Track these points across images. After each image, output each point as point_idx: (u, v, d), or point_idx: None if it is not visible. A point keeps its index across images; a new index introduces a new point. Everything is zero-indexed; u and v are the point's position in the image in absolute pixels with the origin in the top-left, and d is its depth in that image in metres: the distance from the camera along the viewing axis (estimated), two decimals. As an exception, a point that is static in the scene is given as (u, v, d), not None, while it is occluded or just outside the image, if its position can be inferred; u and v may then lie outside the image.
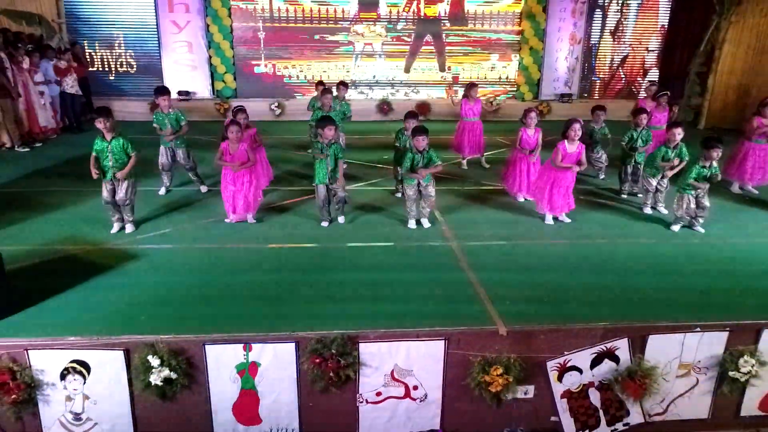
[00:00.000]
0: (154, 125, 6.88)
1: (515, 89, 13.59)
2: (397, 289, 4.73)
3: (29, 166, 8.37)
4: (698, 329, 4.30)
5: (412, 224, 6.19)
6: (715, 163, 6.05)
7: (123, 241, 5.67)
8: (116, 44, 12.36)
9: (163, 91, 6.85)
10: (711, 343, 4.36)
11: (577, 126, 6.14)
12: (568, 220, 6.45)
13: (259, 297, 4.59)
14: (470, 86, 8.50)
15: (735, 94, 12.07)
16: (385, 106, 12.81)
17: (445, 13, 12.82)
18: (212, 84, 12.78)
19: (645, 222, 6.59)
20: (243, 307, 4.44)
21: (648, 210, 6.90)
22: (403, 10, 12.71)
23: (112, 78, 12.60)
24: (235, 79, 12.81)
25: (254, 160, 6.11)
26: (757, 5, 11.45)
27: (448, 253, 5.54)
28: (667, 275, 5.13)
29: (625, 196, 7.44)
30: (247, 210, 6.08)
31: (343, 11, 12.60)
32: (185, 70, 12.61)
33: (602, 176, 8.21)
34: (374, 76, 13.17)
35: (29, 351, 3.91)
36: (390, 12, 12.68)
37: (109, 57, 12.46)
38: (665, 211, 6.79)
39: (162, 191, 7.17)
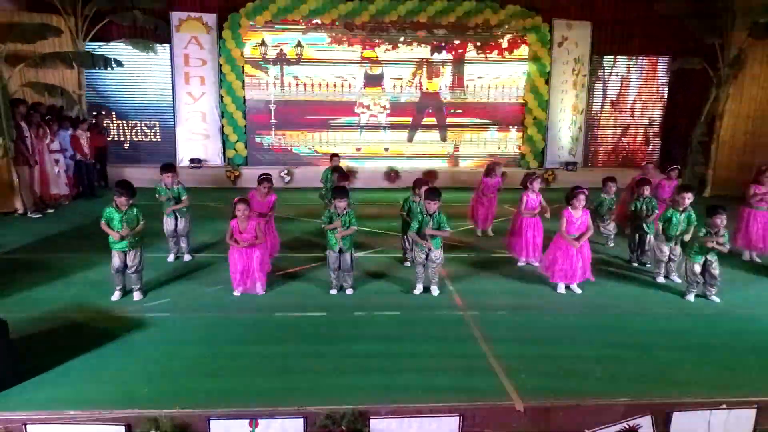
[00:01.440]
0: (157, 195, 7.00)
1: (520, 158, 13.83)
2: (408, 360, 4.60)
3: (40, 232, 8.43)
4: (724, 406, 4.11)
5: (418, 290, 6.14)
6: (724, 232, 6.02)
7: (129, 308, 5.60)
8: (133, 114, 12.79)
9: (168, 168, 7.00)
10: (739, 422, 4.15)
11: (581, 196, 6.19)
12: (579, 291, 6.35)
13: (266, 369, 4.46)
14: (493, 165, 8.60)
15: (738, 162, 12.21)
16: (392, 174, 13.02)
17: (446, 87, 13.35)
18: (224, 152, 13.10)
19: (658, 291, 6.48)
20: (249, 379, 4.30)
21: (661, 279, 6.81)
22: (407, 85, 13.25)
23: (127, 146, 12.94)
24: (246, 147, 13.13)
25: (263, 238, 6.11)
26: (753, 78, 11.82)
27: (459, 321, 5.43)
28: (687, 348, 4.96)
29: (636, 264, 7.38)
30: (254, 283, 6.01)
31: (350, 85, 13.12)
32: (198, 139, 12.96)
33: (611, 244, 8.17)
34: (386, 149, 13.54)
35: (27, 426, 3.77)
36: (394, 86, 13.24)
37: (126, 126, 12.86)
38: (678, 280, 6.69)
39: (170, 258, 7.16)
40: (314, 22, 12.68)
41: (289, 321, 5.40)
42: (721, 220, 5.97)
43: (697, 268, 6.12)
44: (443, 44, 13.07)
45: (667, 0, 11.83)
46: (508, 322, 5.45)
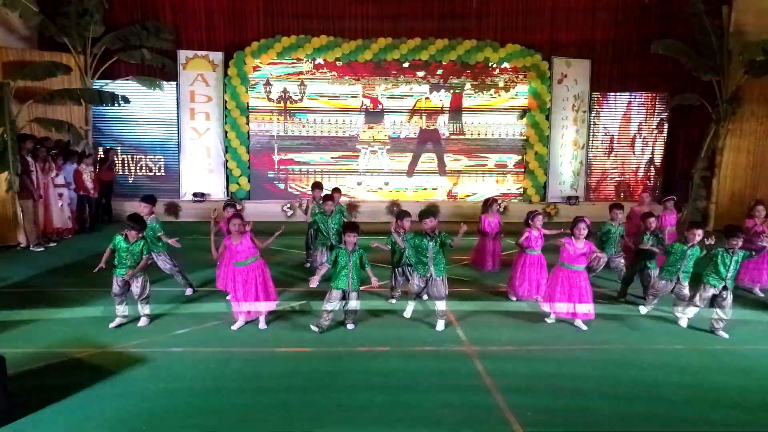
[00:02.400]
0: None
1: (522, 192, 13.89)
2: (414, 408, 4.40)
3: (42, 266, 8.43)
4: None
5: (408, 312, 6.15)
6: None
7: (128, 343, 5.53)
8: (138, 149, 12.95)
9: (145, 199, 7.06)
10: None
11: (582, 225, 6.19)
12: (585, 327, 6.26)
13: (266, 414, 4.31)
14: (490, 201, 8.44)
15: (740, 196, 12.25)
16: (395, 207, 13.04)
17: (445, 125, 13.56)
18: (227, 186, 13.18)
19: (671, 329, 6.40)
20: (248, 425, 4.17)
21: (684, 322, 6.58)
22: (406, 121, 13.47)
23: (132, 181, 13.05)
24: (249, 181, 13.22)
25: (265, 247, 6.00)
26: (752, 114, 11.96)
27: (464, 359, 5.33)
28: (702, 392, 4.82)
29: (623, 300, 7.26)
30: (260, 305, 5.87)
31: (351, 122, 13.31)
32: (202, 173, 13.08)
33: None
34: (386, 183, 13.64)
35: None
36: (393, 122, 13.46)
37: (131, 161, 13.00)
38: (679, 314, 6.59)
39: (189, 291, 7.18)
40: (318, 62, 12.96)
41: (290, 358, 5.31)
42: (737, 242, 6.04)
43: (710, 292, 6.08)
44: (442, 83, 13.29)
45: (663, 40, 12.07)
46: (515, 362, 5.28)
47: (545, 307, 6.42)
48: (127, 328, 5.94)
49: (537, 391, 4.76)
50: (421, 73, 13.26)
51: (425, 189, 13.74)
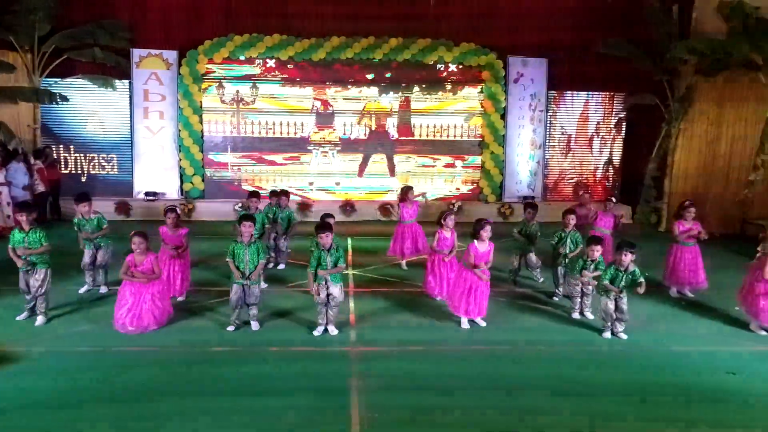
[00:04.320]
0: (76, 229, 7.03)
1: (479, 192, 13.84)
2: (257, 412, 4.34)
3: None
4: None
5: (318, 331, 5.97)
6: (637, 270, 5.92)
7: (19, 340, 5.52)
8: (91, 147, 12.94)
9: (83, 198, 7.06)
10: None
11: (488, 227, 6.16)
12: (484, 324, 6.25)
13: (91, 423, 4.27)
14: (407, 189, 8.64)
15: (692, 197, 12.08)
16: (348, 207, 13.03)
17: (394, 127, 13.54)
18: (181, 185, 13.18)
19: (571, 327, 6.37)
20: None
21: (576, 315, 6.70)
22: (357, 123, 13.48)
23: (84, 179, 13.05)
24: (203, 180, 13.22)
25: (160, 273, 6.07)
26: (702, 114, 11.88)
27: (343, 360, 5.31)
28: (560, 392, 4.82)
29: (557, 299, 7.26)
30: (149, 322, 5.89)
31: (302, 124, 13.33)
32: (156, 172, 13.06)
33: (541, 279, 8.03)
34: (338, 183, 13.64)
35: None
36: (344, 125, 13.45)
37: (83, 159, 13.00)
38: (591, 317, 6.58)
39: (83, 289, 7.13)
40: (269, 65, 12.95)
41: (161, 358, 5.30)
42: (627, 257, 5.91)
43: (610, 305, 6.03)
44: (391, 85, 13.29)
45: (608, 39, 12.04)
46: (397, 368, 5.23)
47: (456, 311, 6.36)
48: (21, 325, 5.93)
49: (402, 391, 4.76)
50: (370, 76, 13.23)
51: (379, 192, 13.68)
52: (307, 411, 4.37)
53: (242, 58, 12.87)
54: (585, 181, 14.09)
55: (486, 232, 6.16)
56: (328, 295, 5.86)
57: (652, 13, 11.78)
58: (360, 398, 4.54)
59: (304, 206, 12.80)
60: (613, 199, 8.60)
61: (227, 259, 5.93)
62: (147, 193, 12.79)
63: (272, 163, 13.43)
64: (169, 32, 12.95)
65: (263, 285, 7.63)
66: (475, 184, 13.88)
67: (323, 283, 5.81)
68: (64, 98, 11.20)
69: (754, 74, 9.89)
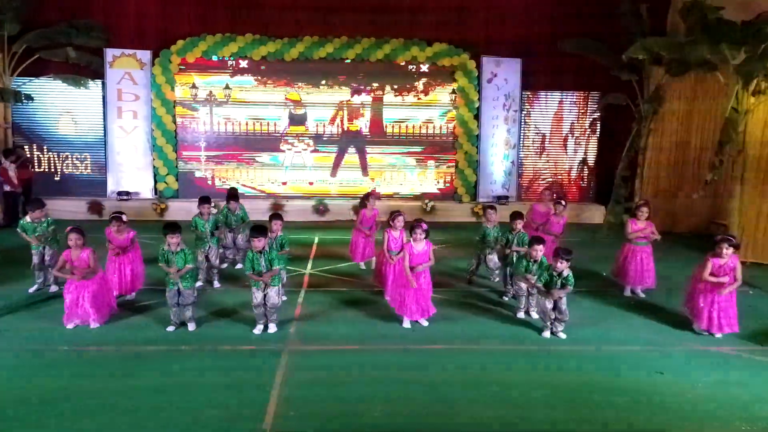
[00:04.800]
0: (23, 234, 7.10)
1: (453, 192, 13.86)
2: (177, 409, 4.37)
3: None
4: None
5: (258, 329, 5.99)
6: (571, 277, 5.94)
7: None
8: (64, 147, 12.99)
9: (37, 204, 7.15)
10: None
11: (424, 226, 6.21)
12: (426, 324, 6.27)
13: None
14: (367, 195, 8.60)
15: (663, 196, 12.18)
16: (321, 208, 13.05)
17: (366, 127, 13.58)
18: (155, 185, 13.21)
19: (514, 326, 6.39)
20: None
21: (521, 314, 6.72)
22: (329, 123, 13.49)
23: (58, 178, 13.09)
24: (177, 180, 13.25)
25: (97, 270, 6.10)
26: (673, 113, 11.88)
27: (274, 358, 5.32)
28: (481, 386, 4.87)
29: (506, 299, 7.28)
30: (90, 317, 5.94)
31: (275, 125, 13.35)
32: (130, 171, 13.10)
33: (496, 279, 8.05)
34: (311, 183, 13.68)
35: None
36: (317, 126, 13.47)
37: (57, 159, 13.05)
38: (536, 316, 6.60)
39: (32, 289, 7.17)
40: (242, 66, 12.97)
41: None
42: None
43: (548, 305, 6.05)
44: (363, 87, 13.32)
45: (570, 38, 12.07)
46: (327, 365, 5.26)
47: (399, 311, 6.38)
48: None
49: (325, 387, 4.80)
50: (342, 77, 13.26)
51: (352, 190, 13.69)
52: (226, 409, 4.40)
53: (215, 58, 12.92)
54: (560, 180, 14.12)
55: (417, 235, 6.16)
56: (264, 296, 5.87)
57: (623, 13, 11.78)
58: (281, 395, 4.56)
59: (277, 207, 12.82)
60: (563, 202, 8.59)
61: (160, 264, 5.95)
62: (120, 193, 12.82)
63: (246, 161, 13.44)
64: (143, 32, 13.02)
65: (217, 285, 7.72)
66: (449, 184, 13.90)
67: (261, 286, 5.84)
68: (30, 98, 11.25)
69: (715, 74, 9.89)
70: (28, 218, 7.10)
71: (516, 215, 7.35)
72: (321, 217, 12.99)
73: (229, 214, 8.40)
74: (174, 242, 5.88)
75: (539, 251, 6.36)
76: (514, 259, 7.12)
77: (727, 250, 6.00)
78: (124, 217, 7.01)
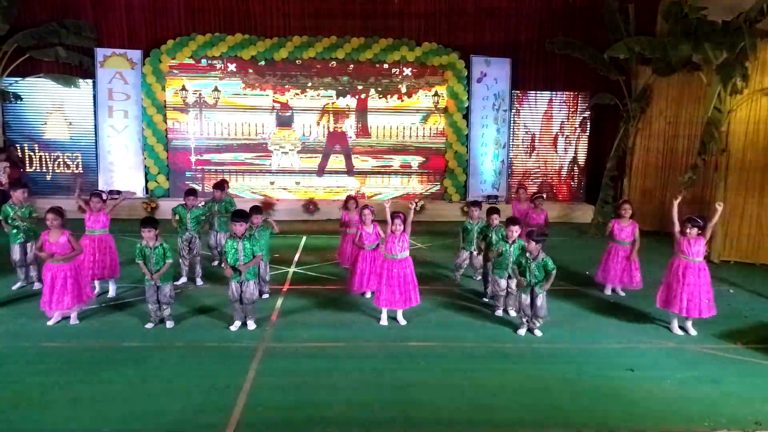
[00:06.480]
0: (4, 223, 7.11)
1: (443, 191, 13.91)
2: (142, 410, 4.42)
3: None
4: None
5: (235, 326, 6.05)
6: (549, 261, 5.97)
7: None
8: (55, 146, 13.04)
9: (18, 186, 7.18)
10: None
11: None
12: (404, 322, 6.31)
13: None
14: (348, 199, 8.63)
15: (651, 196, 12.22)
16: (311, 206, 13.10)
17: (352, 128, 13.64)
18: (146, 184, 13.26)
19: (487, 324, 6.43)
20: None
21: (499, 312, 6.77)
22: (316, 124, 13.58)
23: (49, 178, 13.14)
24: (168, 179, 13.30)
25: (80, 250, 6.12)
26: (660, 113, 11.91)
27: (245, 357, 5.35)
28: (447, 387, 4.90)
29: (486, 300, 7.31)
30: (68, 305, 5.97)
31: (263, 125, 13.44)
32: (121, 170, 13.15)
33: (478, 278, 8.10)
34: (298, 183, 13.75)
35: None
36: (303, 126, 13.56)
37: (47, 157, 13.10)
38: (514, 314, 6.64)
39: (16, 286, 7.21)
40: (230, 69, 13.03)
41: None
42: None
43: (525, 298, 6.09)
44: (348, 87, 13.38)
45: (557, 39, 12.11)
46: (298, 364, 5.29)
47: (377, 302, 6.42)
48: None
49: (294, 388, 4.81)
50: (327, 79, 13.30)
51: (339, 190, 13.75)
52: (192, 409, 4.43)
53: (204, 63, 12.98)
54: (550, 180, 14.16)
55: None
56: (241, 291, 5.92)
57: (609, 13, 11.81)
58: (249, 395, 4.60)
59: (268, 205, 12.84)
60: (543, 196, 8.65)
61: (137, 261, 5.98)
62: (110, 192, 12.84)
63: (234, 162, 13.51)
64: (134, 32, 13.07)
65: (200, 283, 7.78)
66: (430, 185, 13.96)
67: (239, 279, 5.89)
68: (18, 97, 11.28)
69: (698, 74, 9.93)
70: (10, 202, 7.12)
71: (492, 210, 7.41)
72: (310, 216, 13.03)
73: (213, 203, 8.41)
74: (150, 236, 5.89)
75: (515, 232, 6.41)
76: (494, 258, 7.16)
77: (691, 230, 6.21)
78: (104, 195, 7.07)
